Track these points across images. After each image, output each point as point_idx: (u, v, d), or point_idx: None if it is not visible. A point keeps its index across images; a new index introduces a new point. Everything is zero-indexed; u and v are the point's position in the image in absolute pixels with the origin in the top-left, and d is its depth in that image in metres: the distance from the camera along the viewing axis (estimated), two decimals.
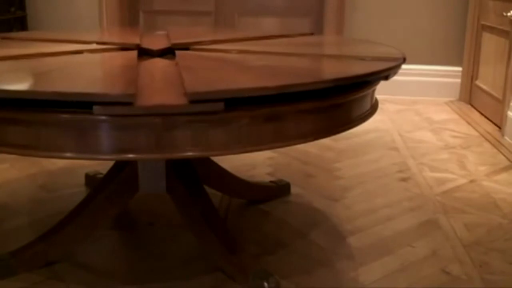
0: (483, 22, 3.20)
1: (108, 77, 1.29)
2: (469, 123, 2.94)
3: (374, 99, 1.42)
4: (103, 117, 1.04)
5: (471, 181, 2.11)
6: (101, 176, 1.95)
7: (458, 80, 3.46)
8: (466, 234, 1.68)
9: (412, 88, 3.46)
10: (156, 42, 1.67)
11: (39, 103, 1.05)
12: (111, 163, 1.66)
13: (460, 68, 3.45)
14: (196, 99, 1.03)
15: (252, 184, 1.93)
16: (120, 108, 1.01)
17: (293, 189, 1.98)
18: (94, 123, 1.05)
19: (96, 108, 1.01)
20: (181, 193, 1.48)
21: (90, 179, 2.02)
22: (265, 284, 1.33)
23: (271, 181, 1.99)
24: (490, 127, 2.84)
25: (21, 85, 1.14)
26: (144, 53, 1.56)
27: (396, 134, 2.72)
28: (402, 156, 2.39)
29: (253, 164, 2.25)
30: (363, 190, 2.02)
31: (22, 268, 1.43)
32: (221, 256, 1.44)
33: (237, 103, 1.07)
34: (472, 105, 3.32)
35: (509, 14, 2.75)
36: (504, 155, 2.41)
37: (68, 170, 2.16)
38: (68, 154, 1.08)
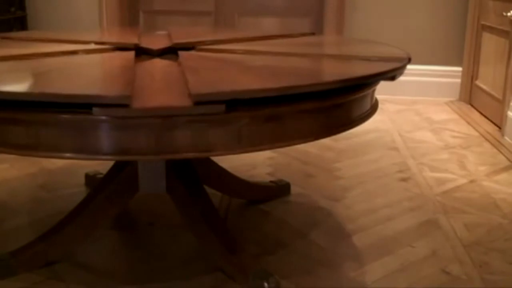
0: (483, 22, 3.20)
1: (105, 78, 1.29)
2: (469, 123, 2.94)
3: (374, 99, 1.42)
4: (103, 117, 1.04)
5: (471, 181, 2.11)
6: (101, 176, 1.95)
7: (458, 80, 3.46)
8: (466, 234, 1.68)
9: (412, 88, 3.46)
10: (156, 42, 1.67)
11: (39, 103, 1.05)
12: (111, 163, 1.66)
13: (460, 68, 3.45)
14: (200, 101, 1.02)
15: (252, 184, 1.93)
16: (120, 110, 1.00)
17: (293, 189, 1.98)
18: (94, 124, 1.05)
19: (95, 110, 1.01)
20: (181, 193, 1.48)
21: (90, 179, 2.02)
22: (265, 284, 1.33)
23: (271, 181, 1.99)
24: (490, 127, 2.84)
25: (18, 86, 1.14)
26: (144, 53, 1.56)
27: (396, 134, 2.72)
28: (402, 156, 2.39)
29: (253, 164, 2.25)
30: (363, 190, 2.02)
31: (22, 268, 1.42)
32: (221, 256, 1.44)
33: (237, 103, 1.07)
34: (472, 105, 3.32)
35: (509, 14, 2.75)
36: (504, 155, 2.41)
37: (68, 170, 2.16)
38: (68, 154, 1.08)
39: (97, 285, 1.40)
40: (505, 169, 2.25)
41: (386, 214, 1.81)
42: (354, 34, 3.46)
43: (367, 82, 1.26)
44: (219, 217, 1.57)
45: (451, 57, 3.48)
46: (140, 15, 3.71)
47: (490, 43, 3.08)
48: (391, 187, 2.04)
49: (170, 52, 1.58)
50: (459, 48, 3.45)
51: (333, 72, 1.35)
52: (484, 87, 3.13)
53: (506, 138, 2.63)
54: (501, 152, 2.46)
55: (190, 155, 1.09)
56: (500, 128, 2.76)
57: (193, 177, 1.55)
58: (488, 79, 3.08)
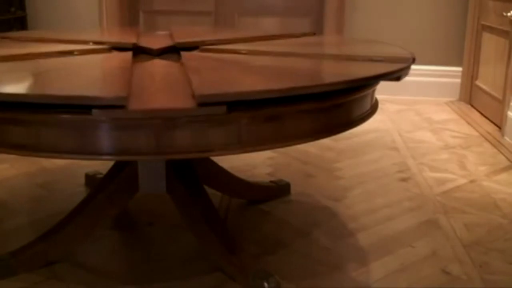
0: (483, 22, 3.20)
1: (103, 78, 1.28)
2: (469, 123, 2.94)
3: (374, 99, 1.42)
4: (103, 118, 1.04)
5: (471, 181, 2.11)
6: (101, 176, 1.95)
7: (458, 80, 3.46)
8: (466, 234, 1.68)
9: (412, 88, 3.46)
10: (156, 41, 1.67)
11: (38, 104, 1.05)
12: (111, 163, 1.66)
13: (460, 68, 3.45)
14: (204, 102, 1.02)
15: (252, 184, 1.93)
16: (121, 112, 1.00)
17: (293, 189, 1.98)
18: (94, 124, 1.05)
19: (95, 112, 1.00)
20: (181, 193, 1.48)
21: (90, 179, 2.02)
22: (265, 284, 1.33)
23: (271, 181, 1.99)
24: (490, 127, 2.84)
25: (16, 87, 1.14)
26: (145, 53, 1.56)
27: (396, 134, 2.72)
28: (402, 156, 2.39)
29: (253, 164, 2.25)
30: (363, 190, 2.02)
31: (22, 268, 1.42)
32: (221, 256, 1.44)
33: (238, 104, 1.07)
34: (472, 105, 3.32)
35: (509, 14, 2.75)
36: (504, 155, 2.41)
37: (68, 170, 2.16)
38: (68, 154, 1.08)
39: (97, 285, 1.40)
40: (505, 169, 2.25)
41: (386, 214, 1.81)
42: (354, 34, 3.46)
43: (373, 82, 1.26)
44: (219, 217, 1.57)
45: (451, 57, 3.48)
46: (140, 15, 3.71)
47: (490, 43, 3.08)
48: (391, 187, 2.04)
49: (170, 51, 1.59)
50: (459, 48, 3.45)
51: (338, 72, 1.34)
52: (484, 87, 3.13)
53: (506, 138, 2.63)
54: (501, 152, 2.46)
55: (190, 155, 1.09)
56: (500, 128, 2.76)
57: (193, 177, 1.55)
58: (488, 79, 3.08)
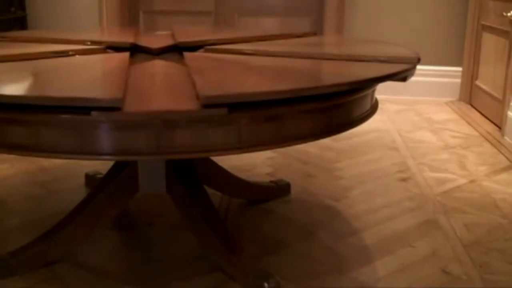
0: (483, 22, 3.20)
1: (100, 79, 1.27)
2: (469, 123, 2.94)
3: (374, 99, 1.42)
4: (102, 118, 1.04)
5: (471, 181, 2.11)
6: (101, 176, 1.95)
7: (458, 80, 3.46)
8: (466, 234, 1.68)
9: (412, 88, 3.46)
10: (157, 41, 1.67)
11: (36, 104, 1.05)
12: (111, 163, 1.66)
13: (460, 68, 3.45)
14: (209, 103, 1.01)
15: (252, 184, 1.93)
16: (120, 113, 1.00)
17: (293, 189, 1.98)
18: (93, 124, 1.05)
19: (94, 114, 1.00)
20: (181, 193, 1.48)
21: (90, 179, 2.02)
22: (265, 284, 1.33)
23: (271, 181, 1.99)
24: (490, 127, 2.84)
25: (13, 89, 1.13)
26: (145, 53, 1.56)
27: (396, 134, 2.72)
28: (402, 156, 2.39)
29: (253, 164, 2.25)
30: (363, 190, 2.02)
31: (22, 268, 1.42)
32: (221, 256, 1.44)
33: (238, 104, 1.06)
34: (472, 105, 3.32)
35: (509, 14, 2.75)
36: (504, 155, 2.41)
37: (68, 170, 2.16)
38: (68, 154, 1.08)
39: (97, 285, 1.40)
40: (505, 169, 2.25)
41: (386, 214, 1.81)
42: (354, 34, 3.46)
43: (379, 83, 1.24)
44: (219, 217, 1.56)
45: (451, 57, 3.48)
46: (140, 15, 3.71)
47: (490, 43, 3.08)
48: (391, 187, 2.04)
49: (170, 51, 1.58)
50: (459, 48, 3.45)
51: (345, 73, 1.32)
52: (484, 87, 3.13)
53: (506, 138, 2.63)
54: (501, 152, 2.45)
55: (190, 155, 1.09)
56: (500, 128, 2.76)
57: (193, 177, 1.55)
58: (488, 79, 3.08)
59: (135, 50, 1.58)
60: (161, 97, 1.09)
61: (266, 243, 1.62)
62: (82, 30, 2.41)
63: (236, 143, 1.10)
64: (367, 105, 1.35)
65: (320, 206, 1.88)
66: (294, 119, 1.15)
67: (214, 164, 1.77)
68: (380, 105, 1.51)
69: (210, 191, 1.61)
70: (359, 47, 1.76)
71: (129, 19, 3.66)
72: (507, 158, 2.37)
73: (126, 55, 1.45)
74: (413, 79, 3.76)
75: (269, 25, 3.63)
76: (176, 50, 1.59)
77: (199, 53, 1.53)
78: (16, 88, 1.14)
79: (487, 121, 2.97)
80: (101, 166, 2.01)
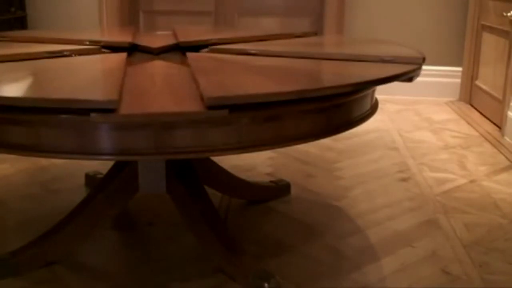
0: (483, 22, 3.20)
1: (97, 80, 1.26)
2: (469, 123, 2.94)
3: (374, 99, 1.41)
4: (101, 119, 1.03)
5: (471, 181, 2.11)
6: (101, 176, 1.95)
7: (458, 80, 3.46)
8: (466, 234, 1.68)
9: (412, 88, 3.45)
10: (157, 41, 1.67)
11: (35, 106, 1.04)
12: (111, 163, 1.66)
13: (460, 68, 3.45)
14: (213, 105, 1.01)
15: (252, 184, 1.93)
16: (120, 115, 1.00)
17: (293, 189, 1.98)
18: (93, 124, 1.05)
19: (93, 115, 1.00)
20: (181, 193, 1.47)
21: (90, 179, 2.02)
22: (266, 284, 1.33)
23: (271, 181, 1.99)
24: (490, 127, 2.84)
25: (11, 89, 1.13)
26: (145, 52, 1.56)
27: (396, 134, 2.72)
28: (402, 156, 2.39)
29: (253, 164, 2.25)
30: (363, 190, 2.02)
31: (22, 268, 1.42)
32: (221, 257, 1.44)
33: (238, 104, 1.06)
34: (472, 105, 3.32)
35: (509, 14, 2.75)
36: (504, 155, 2.41)
37: (68, 170, 2.16)
38: (68, 154, 1.08)
39: (97, 285, 1.40)
40: (505, 169, 2.25)
41: (386, 214, 1.81)
42: (354, 34, 3.46)
43: (386, 83, 1.23)
44: (219, 217, 1.56)
45: (451, 57, 3.48)
46: (140, 15, 3.71)
47: (490, 43, 3.08)
48: (391, 187, 2.04)
49: (171, 51, 1.58)
50: (459, 48, 3.45)
51: (349, 74, 1.31)
52: (484, 87, 3.13)
53: (506, 138, 2.63)
54: (501, 152, 2.45)
55: (190, 155, 1.09)
56: (500, 128, 2.76)
57: (193, 177, 1.55)
58: (488, 79, 3.08)
59: (135, 50, 1.58)
60: (161, 98, 1.09)
61: (266, 243, 1.61)
62: (81, 30, 2.41)
63: (236, 143, 1.10)
64: (367, 105, 1.35)
65: (320, 206, 1.88)
66: (294, 119, 1.15)
67: (214, 164, 1.77)
68: (380, 105, 1.51)
69: (210, 191, 1.61)
70: (363, 47, 1.75)
71: (129, 19, 3.66)
72: (507, 158, 2.37)
73: (123, 55, 1.45)
74: None
75: (269, 25, 3.62)
76: (177, 50, 1.59)
77: (201, 53, 1.53)
78: (14, 89, 1.13)
79: (487, 121, 2.97)
80: (101, 166, 2.01)
